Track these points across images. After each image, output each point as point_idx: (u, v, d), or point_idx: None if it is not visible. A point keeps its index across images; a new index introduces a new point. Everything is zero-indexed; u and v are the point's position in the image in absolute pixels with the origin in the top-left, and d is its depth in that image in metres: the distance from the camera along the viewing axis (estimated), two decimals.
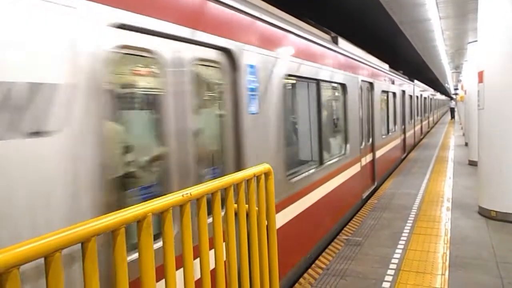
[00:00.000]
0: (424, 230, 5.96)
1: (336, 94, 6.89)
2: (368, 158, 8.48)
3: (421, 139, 20.32)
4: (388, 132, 10.98)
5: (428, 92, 26.61)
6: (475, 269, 4.57)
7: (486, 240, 5.48)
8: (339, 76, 6.43)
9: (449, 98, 61.43)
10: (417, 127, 18.42)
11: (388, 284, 4.28)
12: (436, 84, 42.53)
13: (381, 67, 10.27)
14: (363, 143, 8.02)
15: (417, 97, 18.43)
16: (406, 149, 14.29)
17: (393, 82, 11.68)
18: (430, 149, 16.04)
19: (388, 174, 10.75)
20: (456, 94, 41.75)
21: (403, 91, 13.86)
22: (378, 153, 9.34)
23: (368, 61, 8.84)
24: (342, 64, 6.59)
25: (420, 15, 10.14)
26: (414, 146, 16.75)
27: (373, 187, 8.83)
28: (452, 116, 40.24)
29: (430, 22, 10.93)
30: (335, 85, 6.60)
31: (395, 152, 11.90)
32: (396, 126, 12.23)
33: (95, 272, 1.52)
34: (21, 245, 1.27)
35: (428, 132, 24.76)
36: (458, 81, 31.24)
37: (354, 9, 15.76)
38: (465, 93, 16.37)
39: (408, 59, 24.18)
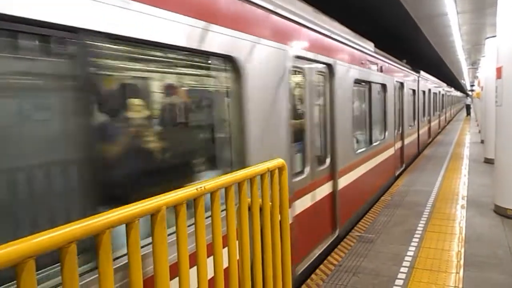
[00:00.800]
0: (438, 228, 5.88)
1: (205, 78, 3.31)
2: (318, 194, 4.93)
3: (429, 143, 16.98)
4: (370, 143, 7.54)
5: (440, 87, 22.93)
6: (490, 268, 4.50)
7: (502, 239, 5.39)
8: (208, 36, 2.84)
9: (464, 95, 60.55)
10: (423, 130, 15.07)
11: (401, 281, 4.24)
12: (452, 80, 41.93)
13: (353, 42, 6.40)
14: (305, 174, 4.57)
15: (423, 92, 14.89)
16: (405, 160, 10.94)
17: (380, 69, 8.13)
18: (445, 146, 15.83)
19: (362, 214, 6.79)
20: (472, 90, 41.10)
21: (401, 84, 10.46)
22: (346, 180, 5.78)
23: (319, 26, 4.97)
24: (222, 15, 3.02)
25: (437, 9, 9.96)
26: (418, 154, 13.73)
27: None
28: (468, 113, 39.73)
29: (447, 17, 10.72)
30: (199, 59, 3.07)
31: (382, 171, 8.32)
32: (387, 133, 8.74)
33: (109, 264, 1.53)
34: (36, 236, 1.28)
35: (439, 133, 21.70)
36: (475, 77, 30.72)
37: (368, 2, 15.55)
38: (482, 89, 16.06)
39: (424, 55, 23.84)
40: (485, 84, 13.53)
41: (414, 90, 12.70)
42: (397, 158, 10.03)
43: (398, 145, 10.12)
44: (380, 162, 8.07)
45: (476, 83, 27.36)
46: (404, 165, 10.81)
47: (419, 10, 10.14)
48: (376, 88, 8.13)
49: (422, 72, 14.43)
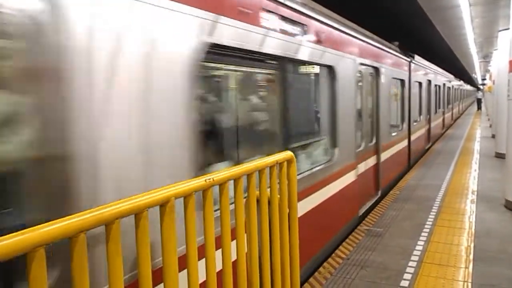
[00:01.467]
0: (448, 223, 5.84)
1: None
2: None
3: (429, 148, 13.64)
4: (318, 167, 4.67)
5: (446, 78, 19.31)
6: (499, 263, 4.46)
7: None
8: None
9: (475, 89, 59.82)
10: (419, 133, 11.61)
11: (409, 275, 4.22)
12: (462, 73, 41.45)
13: None
14: None
15: (419, 84, 11.50)
16: (382, 184, 7.46)
17: (317, 39, 4.50)
18: (455, 140, 15.68)
19: None
20: (483, 84, 40.63)
21: (376, 69, 7.06)
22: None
23: None
24: None
25: (449, 1, 9.80)
26: (408, 168, 10.28)
27: None
28: (479, 107, 39.37)
29: (459, 9, 10.55)
30: None
31: (326, 218, 4.86)
32: (338, 151, 5.14)
33: (119, 254, 1.54)
34: (46, 225, 1.29)
35: (442, 134, 18.09)
36: (486, 71, 30.30)
37: None
38: (494, 83, 15.84)
39: (434, 48, 23.56)
40: (497, 78, 13.33)
41: (402, 81, 9.30)
42: (365, 186, 6.45)
43: (368, 163, 6.68)
44: (318, 205, 4.56)
45: (487, 77, 26.98)
46: (379, 192, 7.31)
47: (431, 2, 9.98)
48: (304, 73, 4.91)
49: (417, 57, 10.85)
